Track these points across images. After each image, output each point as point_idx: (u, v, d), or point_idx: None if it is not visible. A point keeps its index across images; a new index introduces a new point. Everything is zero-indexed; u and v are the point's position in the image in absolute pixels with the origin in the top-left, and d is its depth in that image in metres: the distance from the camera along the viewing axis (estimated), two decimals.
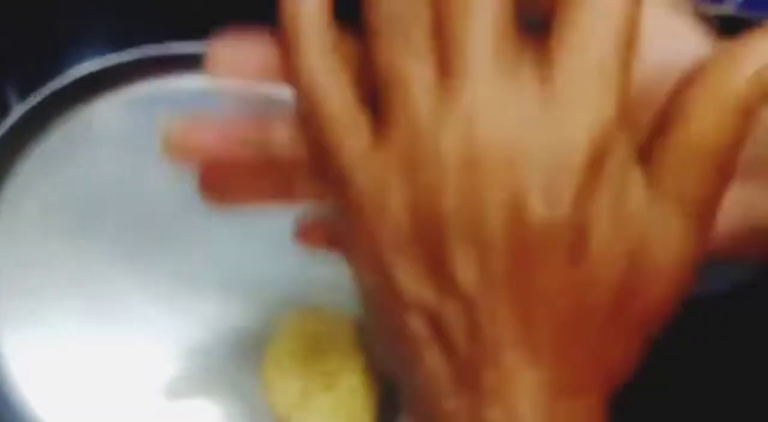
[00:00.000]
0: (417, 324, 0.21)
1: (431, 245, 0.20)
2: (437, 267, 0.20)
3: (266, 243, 0.42)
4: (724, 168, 0.20)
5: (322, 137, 0.21)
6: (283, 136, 0.23)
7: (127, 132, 0.43)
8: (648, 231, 0.20)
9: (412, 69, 0.20)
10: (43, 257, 0.39)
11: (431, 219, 0.20)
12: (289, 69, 0.22)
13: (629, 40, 0.19)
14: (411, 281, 0.20)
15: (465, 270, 0.19)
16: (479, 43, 0.19)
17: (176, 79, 0.45)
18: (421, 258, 0.20)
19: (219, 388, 0.38)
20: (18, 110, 0.40)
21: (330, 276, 0.42)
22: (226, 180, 0.26)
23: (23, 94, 0.41)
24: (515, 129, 0.19)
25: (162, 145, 0.24)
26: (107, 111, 0.43)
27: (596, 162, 0.19)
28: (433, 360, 0.21)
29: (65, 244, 0.40)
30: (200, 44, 0.45)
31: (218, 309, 0.40)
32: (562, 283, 0.19)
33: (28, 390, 0.36)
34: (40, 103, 0.41)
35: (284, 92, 0.22)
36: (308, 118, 0.22)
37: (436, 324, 0.20)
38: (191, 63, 0.45)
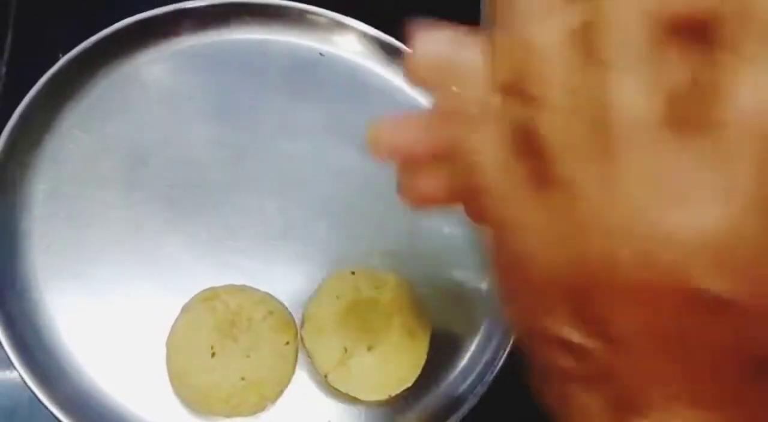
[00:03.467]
0: (563, 359, 0.21)
1: (589, 297, 0.19)
2: (592, 314, 0.19)
3: (304, 199, 0.42)
4: None
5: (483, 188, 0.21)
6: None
7: (170, 84, 0.43)
8: None
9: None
10: (85, 209, 0.39)
11: (595, 276, 0.19)
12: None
13: None
14: (561, 324, 0.20)
15: (624, 325, 0.19)
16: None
17: (219, 31, 0.45)
18: (576, 307, 0.20)
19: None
20: (62, 61, 0.40)
21: (369, 238, 0.42)
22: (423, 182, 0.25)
23: (68, 46, 0.41)
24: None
25: (368, 142, 0.25)
26: (151, 63, 0.43)
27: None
28: (587, 397, 0.21)
29: (107, 197, 0.40)
30: None
31: (259, 263, 0.40)
32: (727, 345, 0.19)
33: (71, 341, 0.36)
34: (84, 55, 0.41)
35: None
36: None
37: (588, 362, 0.20)
38: (234, 15, 0.45)
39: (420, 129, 0.24)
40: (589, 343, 0.20)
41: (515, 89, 0.19)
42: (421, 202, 0.25)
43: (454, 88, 0.21)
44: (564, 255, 0.19)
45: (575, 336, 0.20)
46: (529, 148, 0.19)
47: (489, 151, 0.20)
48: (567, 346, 0.20)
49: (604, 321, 0.19)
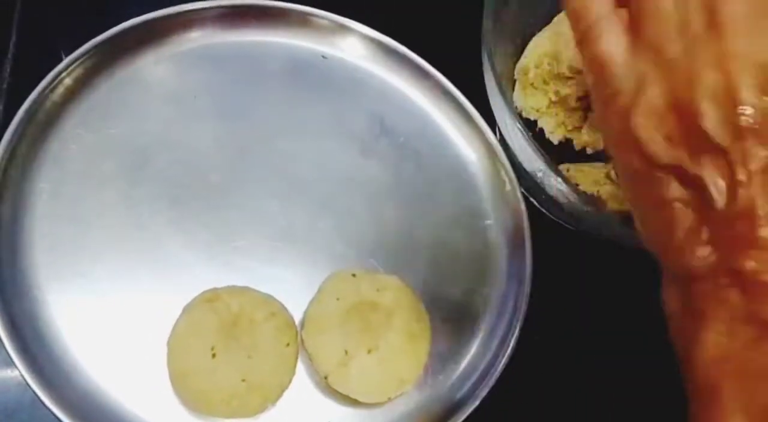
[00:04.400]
0: (672, 188, 0.26)
1: (683, 116, 0.25)
2: (690, 132, 0.25)
3: (306, 201, 0.42)
4: None
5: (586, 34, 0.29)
6: None
7: (173, 85, 0.43)
8: None
9: None
10: (87, 209, 0.39)
11: (685, 97, 0.25)
12: None
13: None
14: (664, 148, 0.26)
15: (715, 124, 0.25)
16: None
17: (222, 33, 0.45)
18: (674, 128, 0.25)
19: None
20: (66, 61, 0.40)
21: (370, 240, 0.42)
22: None
23: (72, 46, 0.41)
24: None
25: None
26: (154, 64, 0.43)
27: None
28: (688, 218, 0.26)
29: (109, 197, 0.40)
30: None
31: (260, 264, 0.40)
32: None
33: (72, 340, 0.36)
34: (87, 55, 0.41)
35: None
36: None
37: (691, 183, 0.25)
38: (237, 17, 0.45)
39: None
40: (697, 160, 0.25)
41: None
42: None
43: None
44: (660, 91, 0.26)
45: (684, 156, 0.25)
46: None
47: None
48: (676, 171, 0.26)
49: (702, 129, 0.25)
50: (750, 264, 0.24)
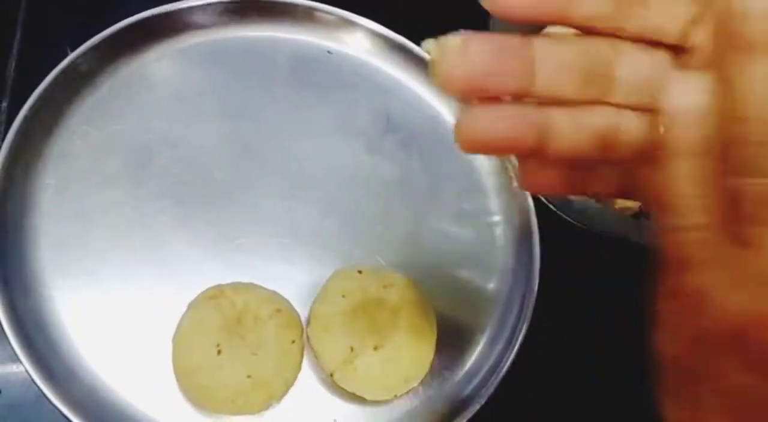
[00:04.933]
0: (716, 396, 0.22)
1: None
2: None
3: (312, 197, 0.42)
4: None
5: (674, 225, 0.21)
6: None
7: (178, 81, 0.43)
8: None
9: None
10: (92, 206, 0.39)
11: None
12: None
13: None
14: (720, 366, 0.21)
15: None
16: None
17: (227, 28, 0.44)
18: (747, 360, 0.21)
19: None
20: (71, 58, 0.40)
21: (376, 237, 0.42)
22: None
23: (77, 42, 0.41)
24: None
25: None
26: (159, 60, 0.43)
27: None
28: None
29: (114, 194, 0.40)
30: None
31: (265, 261, 0.40)
32: None
33: (77, 337, 0.36)
34: (92, 51, 0.41)
35: None
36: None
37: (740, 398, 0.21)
38: (242, 12, 0.45)
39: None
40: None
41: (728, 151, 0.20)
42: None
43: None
44: (747, 305, 0.20)
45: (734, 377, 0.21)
46: (731, 203, 0.20)
47: (688, 190, 0.20)
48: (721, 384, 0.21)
49: None
50: None
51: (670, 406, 0.24)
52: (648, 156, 0.21)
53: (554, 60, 0.20)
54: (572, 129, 0.21)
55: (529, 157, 0.23)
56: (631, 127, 0.21)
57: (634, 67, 0.21)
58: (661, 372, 0.24)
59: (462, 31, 0.20)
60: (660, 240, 0.22)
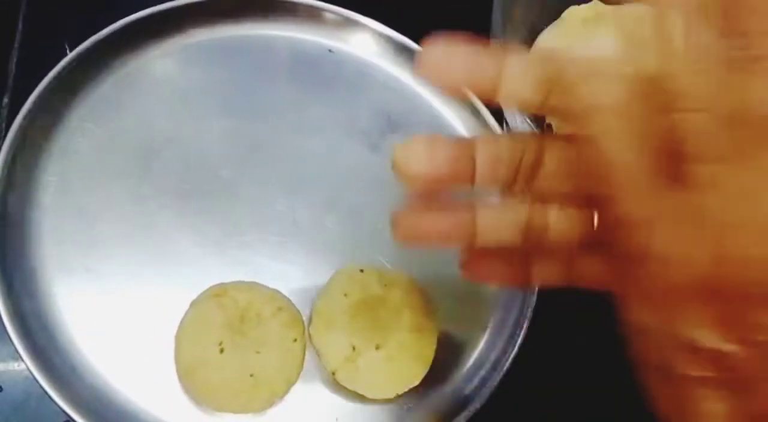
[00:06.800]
0: (697, 366, 0.21)
1: (734, 300, 0.20)
2: (736, 318, 0.20)
3: (314, 196, 0.42)
4: None
5: (613, 187, 0.21)
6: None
7: (180, 79, 0.43)
8: None
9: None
10: (94, 203, 0.39)
11: (738, 279, 0.19)
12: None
13: None
14: (697, 327, 0.20)
15: None
16: None
17: (229, 26, 0.44)
18: (717, 310, 0.20)
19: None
20: (72, 54, 0.40)
21: (377, 235, 0.42)
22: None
23: (79, 39, 0.41)
24: None
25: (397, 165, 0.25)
26: (161, 57, 0.43)
27: None
28: (713, 402, 0.21)
29: (117, 190, 0.39)
30: None
31: (268, 260, 0.40)
32: None
33: (79, 334, 0.36)
34: (94, 48, 0.41)
35: None
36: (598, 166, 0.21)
37: (722, 366, 0.20)
38: (244, 10, 0.45)
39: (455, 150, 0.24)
40: (728, 348, 0.20)
41: (658, 88, 0.19)
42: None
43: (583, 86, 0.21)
44: (702, 256, 0.19)
45: (712, 341, 0.20)
46: (664, 147, 0.19)
47: (619, 148, 0.20)
48: (699, 352, 0.20)
49: (755, 326, 0.19)
50: None
51: (654, 389, 0.24)
52: (582, 247, 0.24)
53: (488, 155, 0.23)
54: (496, 224, 0.25)
55: (465, 248, 0.27)
56: (557, 220, 0.24)
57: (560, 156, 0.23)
58: (639, 351, 0.24)
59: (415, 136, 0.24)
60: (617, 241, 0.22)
